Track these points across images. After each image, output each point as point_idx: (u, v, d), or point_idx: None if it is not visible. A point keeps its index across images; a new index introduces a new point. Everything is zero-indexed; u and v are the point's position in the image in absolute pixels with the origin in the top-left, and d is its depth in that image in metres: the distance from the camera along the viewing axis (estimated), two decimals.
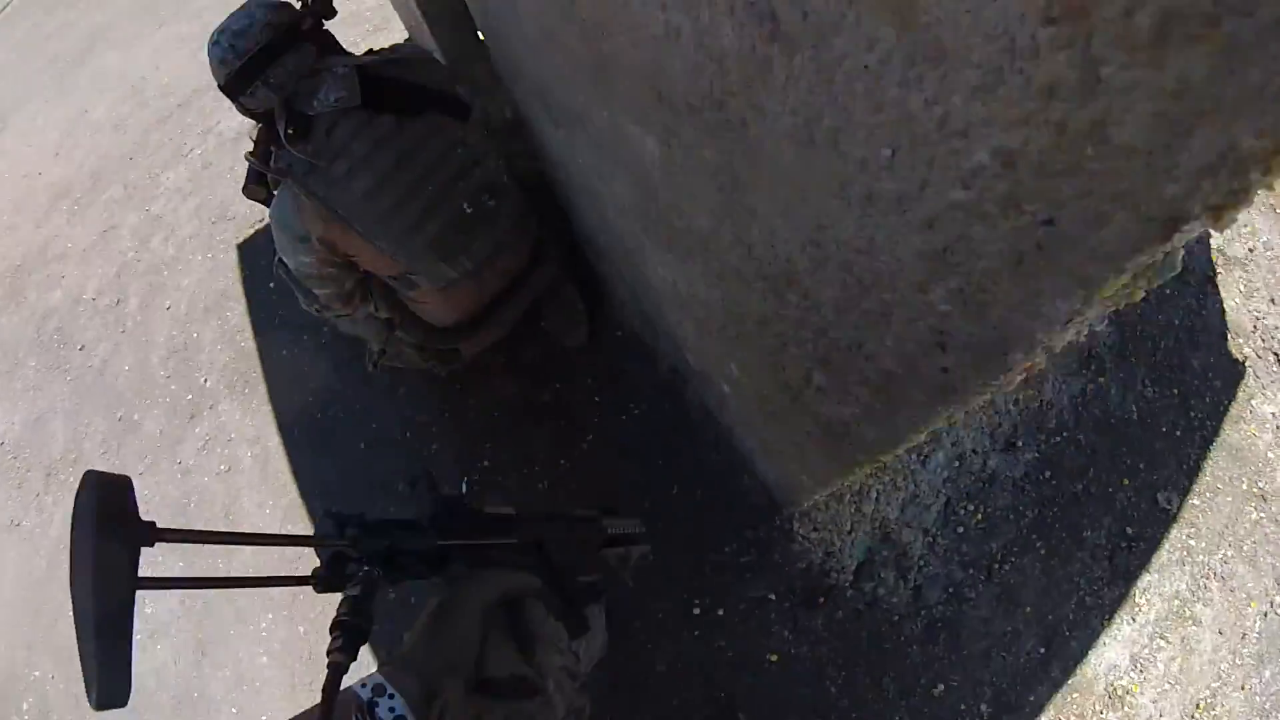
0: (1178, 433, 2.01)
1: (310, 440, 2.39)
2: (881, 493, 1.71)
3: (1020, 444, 1.94)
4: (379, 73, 1.62)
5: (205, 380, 2.81)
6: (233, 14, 1.54)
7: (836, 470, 1.16)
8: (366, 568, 0.63)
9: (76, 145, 4.97)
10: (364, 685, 0.55)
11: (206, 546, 0.65)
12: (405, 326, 1.97)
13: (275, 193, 1.64)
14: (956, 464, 1.80)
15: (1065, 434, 2.00)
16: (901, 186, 0.55)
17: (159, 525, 0.52)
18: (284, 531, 2.27)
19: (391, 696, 0.54)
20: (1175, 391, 2.05)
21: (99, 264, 3.87)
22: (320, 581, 0.62)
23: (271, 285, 2.90)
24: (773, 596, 1.80)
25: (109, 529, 0.49)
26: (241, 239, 3.21)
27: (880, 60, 0.49)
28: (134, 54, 5.25)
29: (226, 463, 2.51)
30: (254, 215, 3.31)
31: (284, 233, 1.63)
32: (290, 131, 1.52)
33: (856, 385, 0.87)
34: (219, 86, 1.55)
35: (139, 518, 0.51)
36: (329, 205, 1.56)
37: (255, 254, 3.11)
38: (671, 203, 1.03)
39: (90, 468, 0.52)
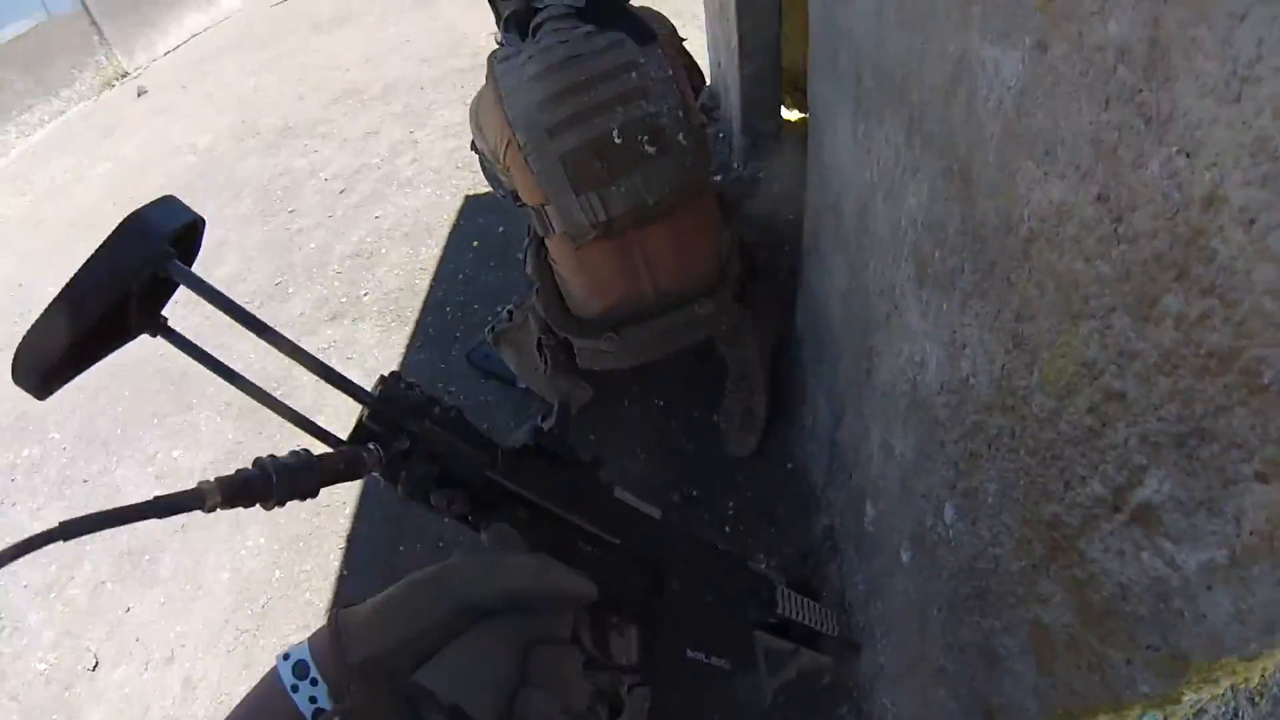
0: None
1: None
2: None
3: None
4: None
5: (365, 294, 2.74)
6: None
7: None
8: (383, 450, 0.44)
9: (386, 61, 5.43)
10: (286, 658, 0.40)
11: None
12: (540, 293, 1.76)
13: None
14: None
15: None
16: None
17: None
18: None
19: (314, 682, 0.39)
20: None
21: (349, 156, 4.07)
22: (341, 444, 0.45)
23: (475, 244, 2.85)
24: None
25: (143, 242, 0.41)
26: (475, 192, 3.20)
27: None
28: (467, 10, 5.73)
29: None
30: None
31: (470, 115, 1.65)
32: (507, 19, 1.58)
33: None
34: None
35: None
36: (497, 88, 1.51)
37: (476, 210, 3.08)
38: (1007, 176, 0.68)
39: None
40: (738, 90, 2.64)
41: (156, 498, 0.36)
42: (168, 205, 0.45)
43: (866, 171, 1.19)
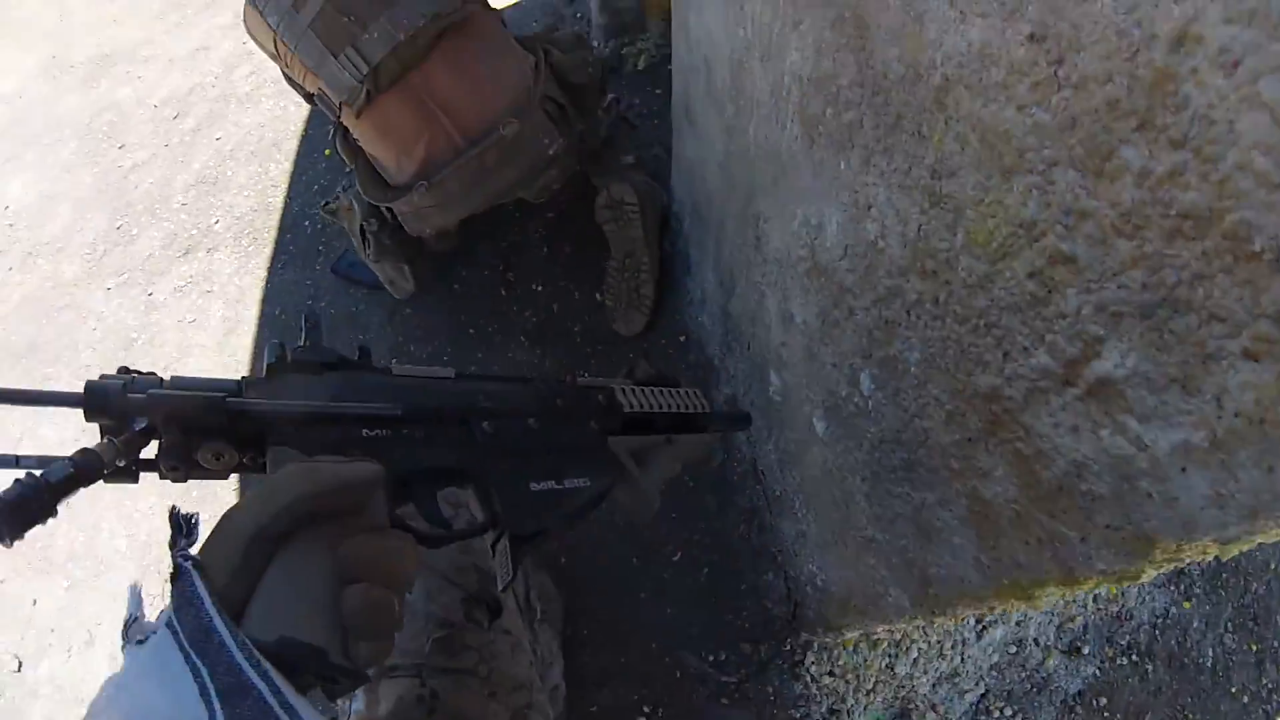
0: (1245, 699, 1.69)
1: (288, 328, 2.09)
2: (923, 654, 1.32)
3: (1086, 651, 1.55)
4: None
5: (216, 222, 2.55)
6: None
7: (905, 608, 0.81)
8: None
9: None
10: None
11: None
12: (355, 174, 1.76)
13: None
14: (1012, 650, 1.41)
15: (1134, 657, 1.63)
16: None
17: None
18: None
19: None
20: (1253, 648, 1.73)
21: (177, 77, 3.70)
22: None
23: (327, 153, 2.65)
24: None
25: None
26: None
27: None
28: None
29: (195, 313, 2.24)
30: None
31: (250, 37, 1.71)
32: None
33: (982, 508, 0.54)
34: None
35: None
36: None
37: (324, 118, 2.86)
38: (914, 17, 0.62)
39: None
40: None
41: None
42: None
43: (740, 29, 1.12)
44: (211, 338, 2.13)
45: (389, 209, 1.73)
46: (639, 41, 2.61)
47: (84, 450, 0.42)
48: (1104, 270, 0.47)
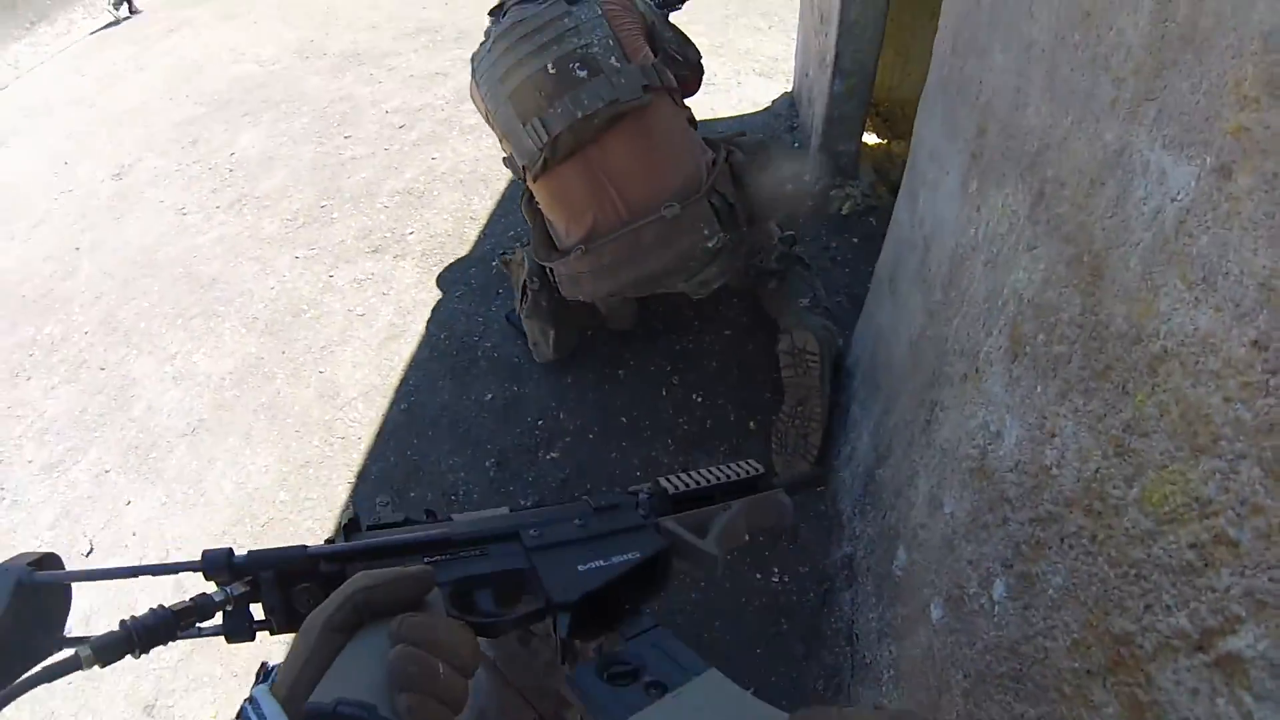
0: None
1: (448, 355, 2.19)
2: None
3: None
4: None
5: (411, 233, 2.74)
6: None
7: None
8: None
9: (465, 5, 5.39)
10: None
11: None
12: (531, 234, 1.93)
13: None
14: None
15: None
16: None
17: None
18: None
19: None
20: None
21: (412, 92, 4.07)
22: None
23: None
24: None
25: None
26: None
27: None
28: None
29: (365, 308, 2.38)
30: None
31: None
32: (492, 9, 1.88)
33: None
34: None
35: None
36: (474, 76, 1.82)
37: None
38: (1149, 287, 0.67)
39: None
40: (823, 105, 2.58)
41: (42, 668, 0.42)
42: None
43: (971, 229, 1.16)
44: (374, 336, 2.25)
45: (551, 270, 1.85)
46: (848, 187, 2.69)
47: (201, 594, 0.50)
48: (1261, 561, 0.50)
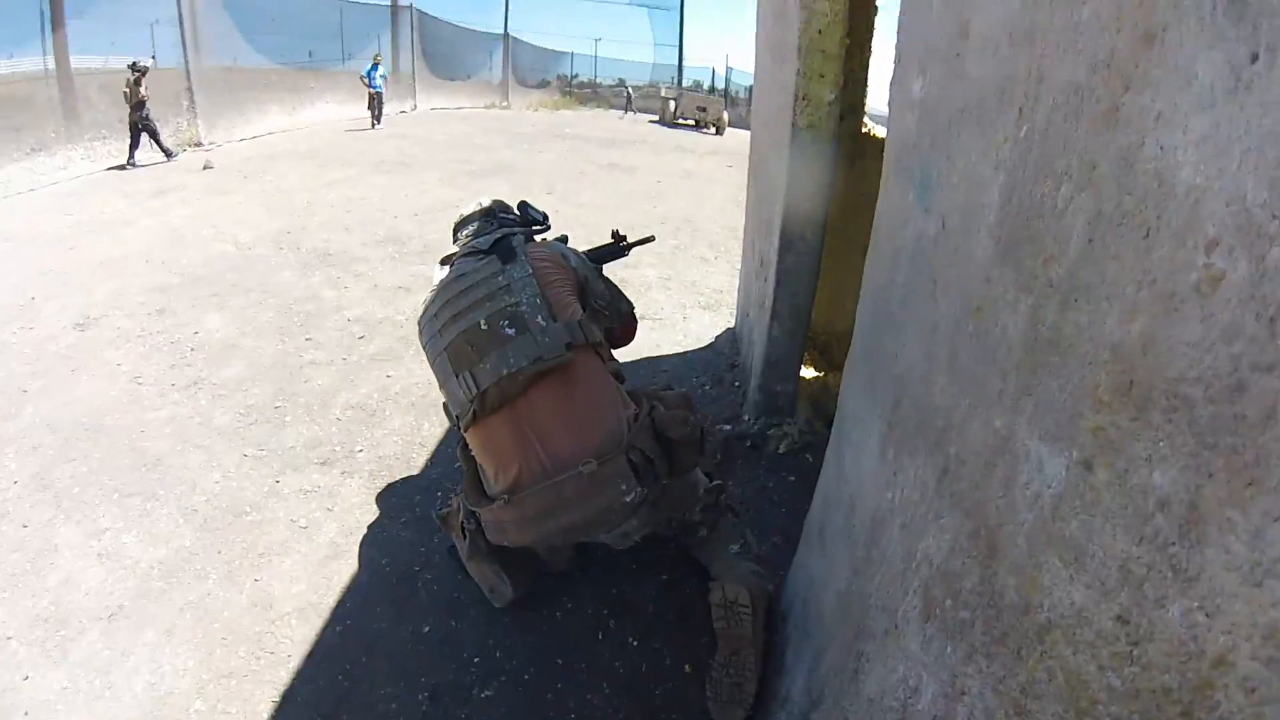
0: None
1: (387, 584, 2.37)
2: None
3: None
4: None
5: (361, 450, 2.99)
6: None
7: None
8: None
9: (433, 221, 5.98)
10: None
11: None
12: (463, 478, 2.06)
13: None
14: None
15: None
16: None
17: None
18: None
19: None
20: None
21: (375, 303, 4.50)
22: None
23: None
24: None
25: None
26: None
27: None
28: (514, 196, 6.43)
29: (309, 521, 2.56)
30: None
31: None
32: (443, 259, 2.29)
33: None
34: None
35: None
36: (421, 306, 2.11)
37: None
38: (1034, 564, 0.78)
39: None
40: (762, 347, 2.87)
41: None
42: None
43: (889, 492, 1.28)
44: (315, 552, 2.40)
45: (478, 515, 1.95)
46: (786, 425, 2.93)
47: None
48: None
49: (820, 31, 2.51)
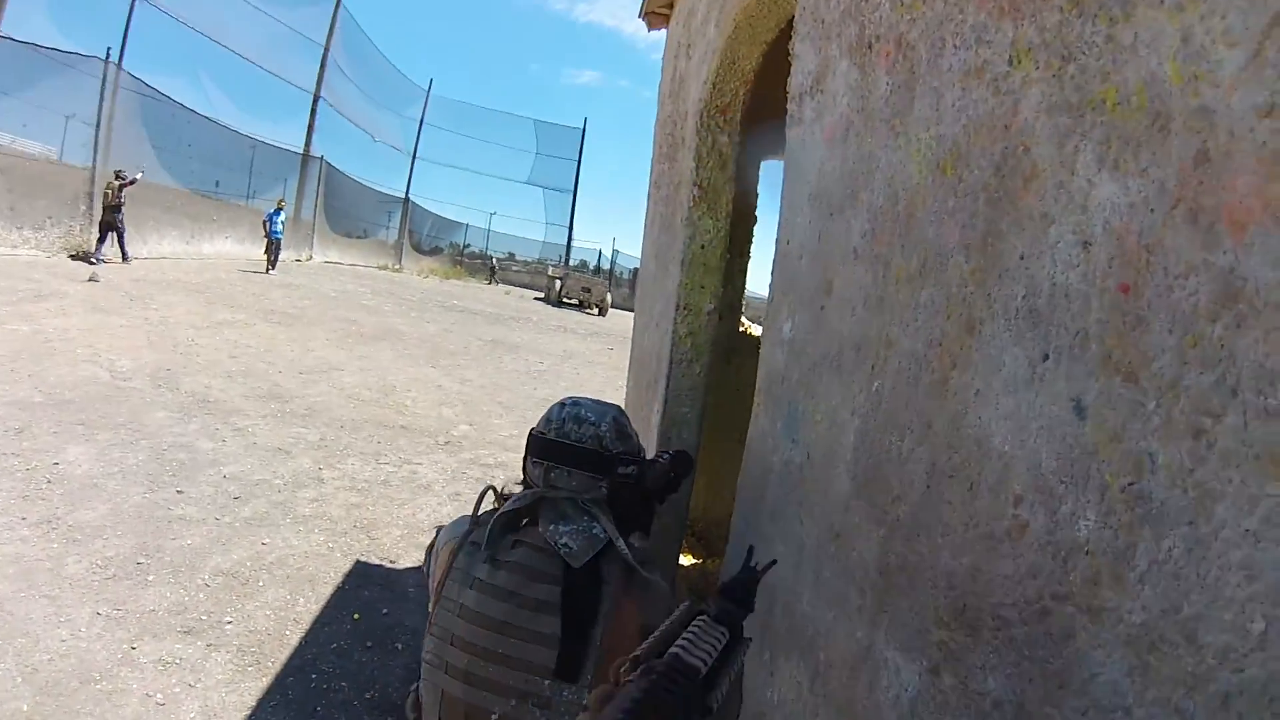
0: None
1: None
2: None
3: None
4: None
5: (230, 623, 2.94)
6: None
7: None
8: None
9: (317, 382, 6.12)
10: None
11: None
12: None
13: None
14: None
15: None
16: (1274, 668, 0.53)
17: None
18: None
19: None
20: None
21: (254, 463, 4.49)
22: None
23: (356, 617, 3.15)
24: None
25: None
26: (367, 559, 3.61)
27: (1263, 520, 0.53)
28: (395, 364, 6.62)
29: (167, 699, 2.48)
30: None
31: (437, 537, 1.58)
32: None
33: None
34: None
35: None
36: (453, 562, 1.27)
37: (364, 580, 3.44)
38: None
39: None
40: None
41: None
42: None
43: (768, 690, 1.41)
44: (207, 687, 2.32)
45: None
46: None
47: None
48: None
49: (703, 247, 2.89)
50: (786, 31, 2.21)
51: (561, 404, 1.34)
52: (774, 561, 0.87)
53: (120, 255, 10.22)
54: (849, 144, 1.38)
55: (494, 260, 29.41)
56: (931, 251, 1.02)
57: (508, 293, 23.14)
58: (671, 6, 3.77)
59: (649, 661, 0.70)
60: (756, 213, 3.95)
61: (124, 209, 10.03)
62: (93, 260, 9.55)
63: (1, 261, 8.09)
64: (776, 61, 2.46)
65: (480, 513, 1.32)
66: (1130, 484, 0.64)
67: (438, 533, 1.38)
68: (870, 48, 1.33)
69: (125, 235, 10.22)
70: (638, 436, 1.36)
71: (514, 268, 30.54)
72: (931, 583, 0.89)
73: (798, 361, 1.53)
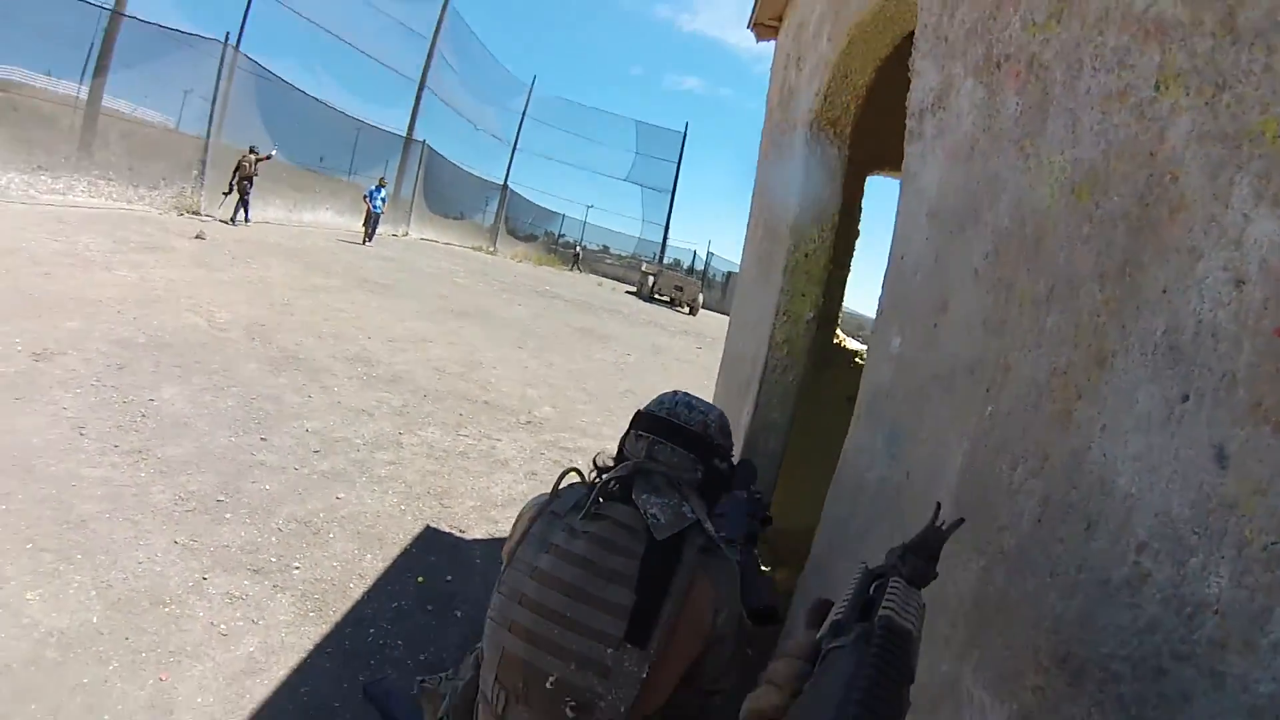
0: None
1: (303, 711, 2.33)
2: None
3: None
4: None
5: (298, 567, 3.00)
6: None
7: None
8: None
9: (404, 351, 6.25)
10: None
11: None
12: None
13: None
14: None
15: None
16: None
17: None
18: None
19: None
20: None
21: (336, 419, 4.59)
22: None
23: (420, 580, 3.17)
24: None
25: None
26: (437, 525, 3.64)
27: None
28: (483, 342, 6.70)
29: (230, 629, 2.53)
30: None
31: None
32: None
33: None
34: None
35: None
36: (531, 523, 1.34)
37: (431, 546, 3.46)
38: None
39: None
40: None
41: None
42: None
43: None
44: (231, 664, 2.35)
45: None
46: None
47: None
48: None
49: (806, 255, 2.88)
50: (902, 46, 2.22)
51: (674, 392, 1.40)
52: (961, 520, 0.80)
53: (245, 219, 11.81)
54: (973, 163, 1.38)
55: (579, 248, 30.09)
56: (1061, 277, 1.00)
57: (600, 284, 23.37)
58: (780, 19, 3.82)
59: (858, 626, 0.67)
60: (860, 225, 3.90)
61: (254, 180, 11.68)
62: (232, 222, 11.36)
63: (119, 215, 8.68)
64: (888, 75, 2.54)
65: (561, 488, 1.34)
66: (1273, 543, 0.60)
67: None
68: (999, 67, 1.32)
69: (250, 202, 11.79)
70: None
71: (608, 260, 30.96)
72: (1033, 623, 0.85)
73: (905, 378, 1.51)
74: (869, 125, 2.86)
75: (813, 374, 3.35)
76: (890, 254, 1.74)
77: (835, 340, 4.02)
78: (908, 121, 1.74)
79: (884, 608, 0.67)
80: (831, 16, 2.64)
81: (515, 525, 1.38)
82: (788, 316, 2.94)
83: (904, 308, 1.61)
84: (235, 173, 11.47)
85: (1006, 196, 1.21)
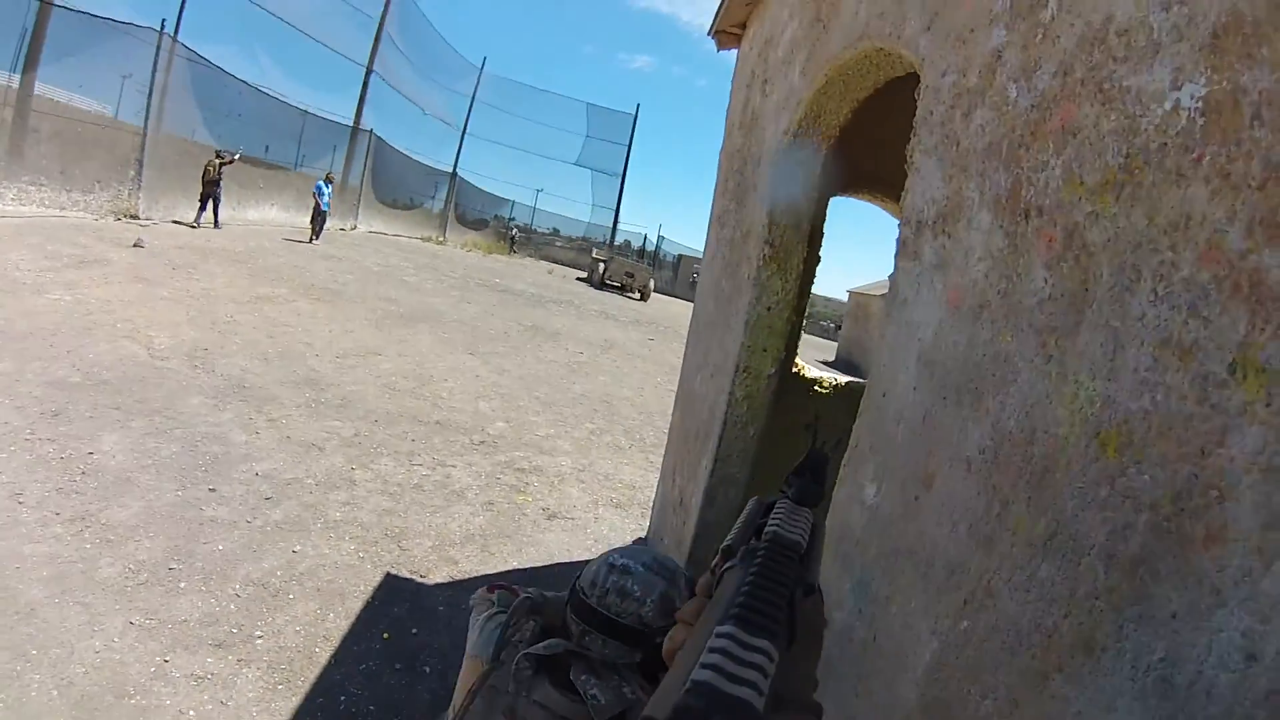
0: None
1: None
2: None
3: None
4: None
5: (260, 637, 3.01)
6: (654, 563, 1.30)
7: None
8: None
9: (354, 368, 6.21)
10: None
11: None
12: None
13: None
14: None
15: None
16: None
17: None
18: None
19: None
20: None
21: (286, 459, 4.57)
22: None
23: (386, 636, 3.20)
24: None
25: None
26: (398, 572, 3.66)
27: None
28: (433, 350, 6.68)
29: (199, 712, 2.55)
30: None
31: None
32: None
33: None
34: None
35: None
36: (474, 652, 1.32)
37: (394, 596, 3.49)
38: None
39: None
40: None
41: None
42: None
43: None
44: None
45: None
46: None
47: None
48: None
49: (769, 309, 2.86)
50: (883, 88, 2.16)
51: (612, 566, 1.27)
52: (840, 439, 0.75)
53: (214, 223, 12.15)
54: (980, 328, 1.18)
55: (514, 232, 30.41)
56: (1065, 530, 0.88)
57: (550, 271, 23.28)
58: (744, 26, 3.68)
59: (743, 546, 0.64)
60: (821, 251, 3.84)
61: (221, 183, 12.02)
62: (195, 225, 11.77)
63: (50, 224, 8.38)
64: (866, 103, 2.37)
65: (511, 633, 1.29)
66: None
67: (476, 593, 1.37)
68: (1026, 218, 1.09)
69: (220, 205, 12.19)
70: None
71: (558, 243, 31.00)
72: None
73: (879, 537, 1.45)
74: (838, 147, 2.65)
75: (771, 403, 3.33)
76: (869, 388, 1.63)
77: (795, 369, 4.09)
78: (901, 227, 1.55)
79: (769, 525, 0.67)
80: (807, 47, 2.49)
81: (461, 677, 1.33)
82: (748, 373, 2.97)
83: (883, 454, 1.48)
84: (203, 180, 11.64)
85: (1016, 394, 1.05)
